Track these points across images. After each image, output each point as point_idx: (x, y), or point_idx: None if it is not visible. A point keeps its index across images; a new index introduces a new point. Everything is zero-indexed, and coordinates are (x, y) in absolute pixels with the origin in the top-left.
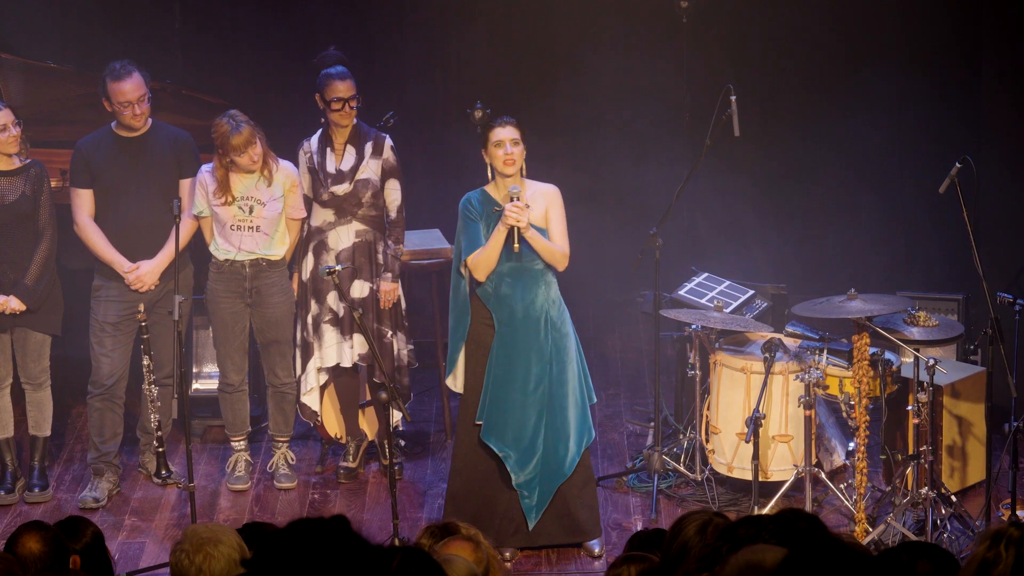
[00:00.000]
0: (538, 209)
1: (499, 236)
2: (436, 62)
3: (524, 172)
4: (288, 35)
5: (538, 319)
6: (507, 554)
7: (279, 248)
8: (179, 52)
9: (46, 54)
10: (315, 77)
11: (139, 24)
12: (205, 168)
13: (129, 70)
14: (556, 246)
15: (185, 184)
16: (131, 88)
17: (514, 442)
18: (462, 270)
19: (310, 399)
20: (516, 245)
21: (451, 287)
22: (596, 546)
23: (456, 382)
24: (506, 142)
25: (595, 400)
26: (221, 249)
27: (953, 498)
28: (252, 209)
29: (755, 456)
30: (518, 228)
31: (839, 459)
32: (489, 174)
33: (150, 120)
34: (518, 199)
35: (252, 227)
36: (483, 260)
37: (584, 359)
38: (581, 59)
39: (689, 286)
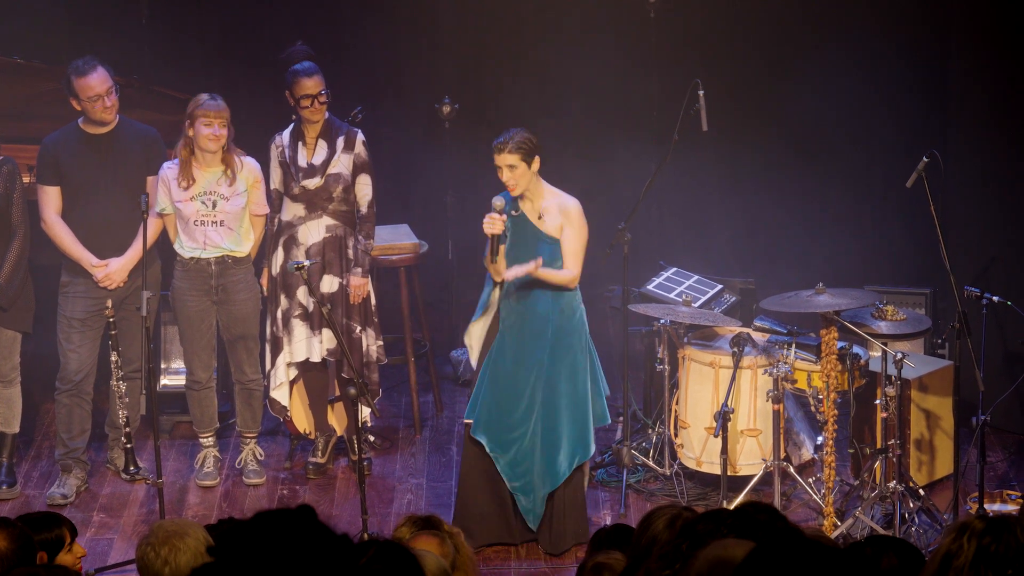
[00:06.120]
0: (552, 221)
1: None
2: (403, 56)
3: (536, 182)
4: (256, 29)
5: (539, 327)
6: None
7: (245, 244)
8: (146, 47)
9: (12, 50)
10: (283, 72)
11: (106, 19)
12: (166, 165)
13: (93, 64)
14: (562, 274)
15: (152, 181)
16: (98, 81)
17: (502, 445)
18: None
19: (279, 394)
20: (493, 258)
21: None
22: None
23: (472, 356)
24: (503, 169)
25: (608, 421)
26: (186, 247)
27: (921, 492)
28: (215, 204)
29: (724, 450)
30: (496, 240)
31: (807, 453)
32: None
33: (118, 116)
34: (498, 212)
35: (216, 222)
36: (487, 262)
37: (598, 376)
38: (548, 54)
39: (658, 281)
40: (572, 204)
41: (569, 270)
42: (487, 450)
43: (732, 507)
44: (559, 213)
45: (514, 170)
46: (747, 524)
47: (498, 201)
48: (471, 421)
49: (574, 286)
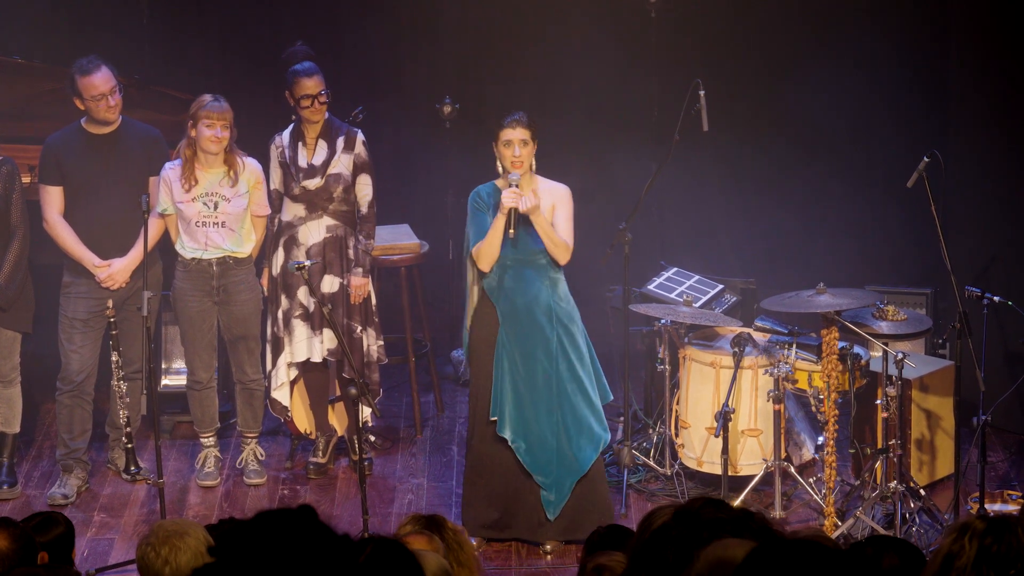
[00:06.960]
0: (544, 204)
1: (499, 223)
2: (403, 56)
3: (534, 168)
4: (256, 29)
5: (543, 314)
6: (474, 542)
7: (246, 245)
8: (146, 46)
9: (13, 50)
10: (283, 72)
11: (106, 18)
12: (168, 166)
13: (97, 64)
14: (560, 237)
15: (154, 181)
16: (102, 80)
17: (524, 435)
18: (468, 262)
19: (280, 394)
20: (511, 231)
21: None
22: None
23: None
24: (515, 143)
25: (611, 398)
26: (188, 248)
27: (922, 492)
28: (217, 205)
29: (724, 450)
30: (515, 214)
31: (808, 453)
32: (499, 168)
33: (120, 117)
34: (516, 186)
35: (217, 223)
36: (484, 248)
37: (595, 359)
38: (548, 54)
39: (658, 281)
40: (562, 187)
41: (564, 238)
42: (510, 442)
43: (673, 511)
44: (549, 195)
45: (526, 145)
46: (692, 526)
47: (515, 177)
48: (496, 418)
49: (568, 258)
